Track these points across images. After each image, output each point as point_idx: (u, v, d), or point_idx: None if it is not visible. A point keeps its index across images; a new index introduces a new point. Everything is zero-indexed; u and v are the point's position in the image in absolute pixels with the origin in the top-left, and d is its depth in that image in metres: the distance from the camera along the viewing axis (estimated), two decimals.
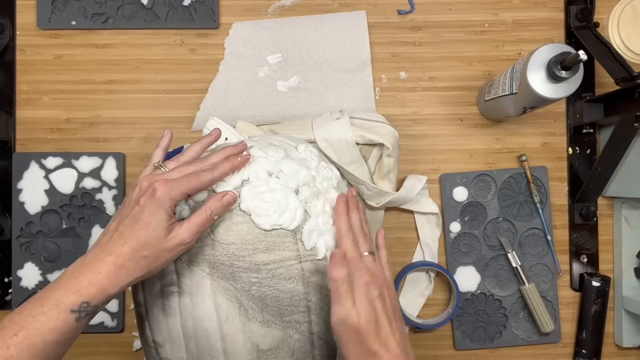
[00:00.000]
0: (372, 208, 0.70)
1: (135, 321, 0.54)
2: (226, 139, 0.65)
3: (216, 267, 0.48)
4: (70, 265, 0.44)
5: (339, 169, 0.66)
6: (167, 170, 0.48)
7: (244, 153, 0.51)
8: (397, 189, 0.69)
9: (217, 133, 0.54)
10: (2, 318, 0.42)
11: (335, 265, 0.47)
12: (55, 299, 0.41)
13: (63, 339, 0.42)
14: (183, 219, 0.46)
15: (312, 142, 0.67)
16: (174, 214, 0.45)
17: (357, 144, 0.67)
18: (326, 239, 0.51)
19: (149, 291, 0.50)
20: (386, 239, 0.55)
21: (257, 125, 0.71)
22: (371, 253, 0.50)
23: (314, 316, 0.49)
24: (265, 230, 0.49)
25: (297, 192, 0.51)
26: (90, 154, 0.71)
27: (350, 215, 0.52)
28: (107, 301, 0.44)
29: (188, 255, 0.48)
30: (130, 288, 0.54)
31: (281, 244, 0.49)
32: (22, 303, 0.43)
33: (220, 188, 0.49)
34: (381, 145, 0.67)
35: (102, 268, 0.43)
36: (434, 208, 0.72)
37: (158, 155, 0.51)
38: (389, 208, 0.73)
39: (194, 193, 0.47)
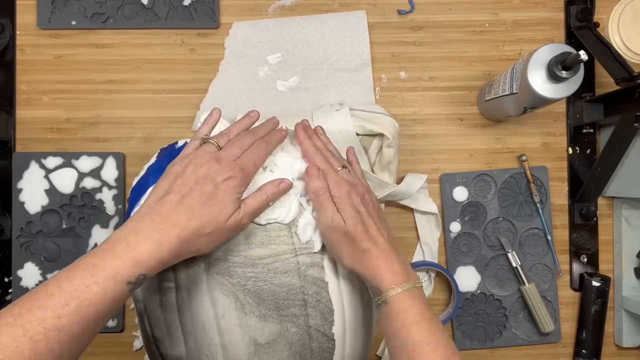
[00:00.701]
0: None
1: (137, 319, 0.54)
2: None
3: (212, 262, 0.48)
4: (118, 231, 0.42)
5: None
6: (221, 146, 0.48)
7: (282, 127, 0.53)
8: (398, 184, 0.69)
9: (256, 115, 0.54)
10: (47, 283, 0.39)
11: (312, 177, 0.49)
12: (112, 270, 0.39)
13: (113, 309, 0.40)
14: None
15: None
16: None
17: (357, 134, 0.67)
18: None
19: (147, 287, 0.50)
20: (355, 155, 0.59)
21: None
22: (344, 167, 0.52)
23: (311, 309, 0.50)
24: (260, 224, 0.49)
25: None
26: (90, 154, 0.71)
27: (313, 140, 0.53)
28: (159, 272, 0.42)
29: None
30: None
31: (276, 238, 0.49)
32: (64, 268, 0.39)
33: None
34: (381, 136, 0.67)
35: (165, 240, 0.41)
36: (434, 208, 0.71)
37: (205, 131, 0.51)
38: (389, 205, 0.73)
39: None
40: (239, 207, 0.45)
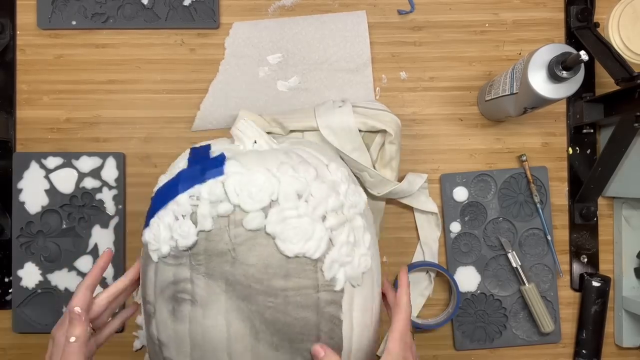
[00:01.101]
0: (373, 197, 0.70)
1: (140, 318, 0.54)
2: (255, 142, 0.59)
3: (233, 285, 0.47)
4: None
5: (341, 156, 0.66)
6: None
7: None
8: (399, 182, 0.69)
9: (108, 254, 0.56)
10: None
11: (406, 335, 0.51)
12: None
13: None
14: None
15: (315, 130, 0.67)
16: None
17: (359, 131, 0.67)
18: (346, 270, 0.50)
19: (160, 292, 0.50)
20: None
21: (259, 115, 0.71)
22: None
23: None
24: (287, 256, 0.48)
25: (324, 218, 0.49)
26: (90, 154, 0.71)
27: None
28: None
29: (206, 268, 0.48)
30: (141, 286, 0.54)
31: (301, 272, 0.48)
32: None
33: (249, 206, 0.47)
34: (383, 133, 0.67)
35: None
36: (434, 208, 0.71)
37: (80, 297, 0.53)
38: (390, 204, 0.73)
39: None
40: None
